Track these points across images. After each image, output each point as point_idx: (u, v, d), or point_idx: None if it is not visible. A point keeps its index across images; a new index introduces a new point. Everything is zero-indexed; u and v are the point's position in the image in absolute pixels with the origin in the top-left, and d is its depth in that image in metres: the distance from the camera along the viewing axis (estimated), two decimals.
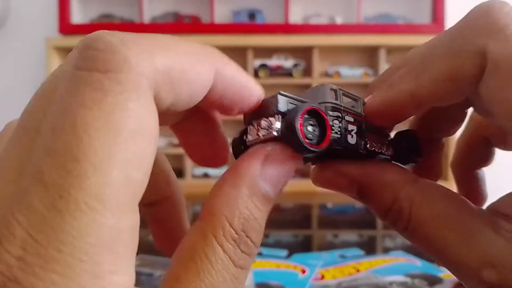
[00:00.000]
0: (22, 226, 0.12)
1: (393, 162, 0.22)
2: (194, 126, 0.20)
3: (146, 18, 1.52)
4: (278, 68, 1.46)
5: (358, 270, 0.54)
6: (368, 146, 0.20)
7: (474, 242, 0.17)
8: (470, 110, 0.22)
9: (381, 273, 0.53)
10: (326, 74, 1.49)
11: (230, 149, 0.20)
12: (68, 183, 0.12)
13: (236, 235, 0.15)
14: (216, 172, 1.39)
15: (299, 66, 1.47)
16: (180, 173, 1.44)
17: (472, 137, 0.26)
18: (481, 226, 0.18)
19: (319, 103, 0.19)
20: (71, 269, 0.12)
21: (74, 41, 1.43)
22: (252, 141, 0.18)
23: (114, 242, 0.12)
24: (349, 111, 0.20)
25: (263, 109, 0.18)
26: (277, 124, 0.17)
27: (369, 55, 1.52)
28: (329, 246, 0.69)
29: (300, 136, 0.16)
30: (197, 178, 1.45)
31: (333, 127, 0.18)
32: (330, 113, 0.19)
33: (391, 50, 1.46)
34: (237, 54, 1.42)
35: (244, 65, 1.41)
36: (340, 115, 0.19)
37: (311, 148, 0.17)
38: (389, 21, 1.50)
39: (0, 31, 1.54)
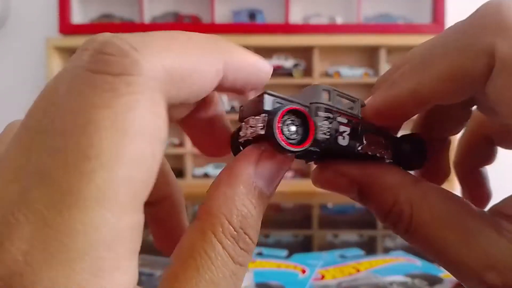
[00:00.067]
0: (29, 221, 0.12)
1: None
2: (200, 118, 0.20)
3: (146, 18, 1.52)
4: (278, 68, 1.46)
5: (358, 270, 0.54)
6: (360, 148, 0.20)
7: (476, 244, 0.17)
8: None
9: (381, 273, 0.53)
10: (326, 74, 1.49)
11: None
12: (77, 180, 0.12)
13: (234, 232, 0.16)
14: (216, 172, 1.39)
15: (299, 66, 1.48)
16: (180, 173, 1.44)
17: (474, 136, 0.26)
18: (483, 227, 0.18)
19: (310, 103, 0.19)
20: (71, 267, 0.12)
21: (74, 41, 1.43)
22: (242, 138, 0.18)
23: (115, 241, 0.12)
24: (342, 112, 0.19)
25: (255, 108, 0.18)
26: (262, 123, 0.17)
27: (369, 55, 1.52)
28: (329, 246, 0.69)
29: (277, 135, 0.17)
30: (197, 178, 1.45)
31: (321, 128, 0.18)
32: (320, 113, 0.18)
33: (391, 50, 1.46)
34: None
35: None
36: (331, 116, 0.19)
37: (290, 148, 0.17)
38: (389, 21, 1.50)
39: (0, 31, 1.55)
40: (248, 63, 0.18)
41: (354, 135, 0.20)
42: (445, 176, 0.25)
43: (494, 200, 0.26)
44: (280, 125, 0.17)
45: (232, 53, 0.17)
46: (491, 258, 0.17)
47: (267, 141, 0.17)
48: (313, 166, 0.22)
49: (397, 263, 0.56)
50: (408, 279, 0.51)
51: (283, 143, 0.17)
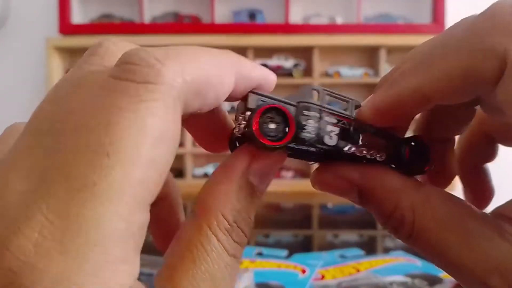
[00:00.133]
0: (42, 212, 0.12)
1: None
2: (202, 116, 0.20)
3: (146, 18, 1.52)
4: (279, 68, 1.46)
5: (358, 270, 0.54)
6: (351, 149, 0.19)
7: (479, 248, 0.17)
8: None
9: (381, 273, 0.53)
10: (326, 74, 1.49)
11: None
12: (95, 174, 0.13)
13: (229, 226, 0.17)
14: None
15: (299, 66, 1.48)
16: (180, 173, 1.44)
17: (475, 133, 0.25)
18: (486, 231, 0.17)
19: (298, 102, 0.19)
20: (84, 255, 0.12)
21: (74, 41, 1.43)
22: (235, 135, 0.19)
23: (126, 235, 0.13)
24: (331, 112, 0.19)
25: (243, 106, 0.19)
26: (245, 121, 0.18)
27: (369, 55, 1.52)
28: (329, 246, 0.69)
29: (254, 131, 0.18)
30: (197, 178, 1.45)
31: (306, 127, 0.19)
32: (305, 112, 0.19)
33: (391, 50, 1.46)
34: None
35: None
36: (317, 115, 0.19)
37: (266, 144, 0.18)
38: (389, 21, 1.50)
39: (0, 31, 1.54)
40: (256, 74, 0.19)
41: (344, 136, 0.19)
42: (451, 177, 0.24)
43: (496, 198, 0.26)
44: (258, 122, 0.18)
45: (242, 66, 0.18)
46: (494, 262, 0.17)
47: (248, 137, 0.18)
48: (314, 166, 0.22)
49: (397, 263, 0.56)
50: (408, 279, 0.51)
51: (260, 140, 0.18)
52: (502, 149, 0.26)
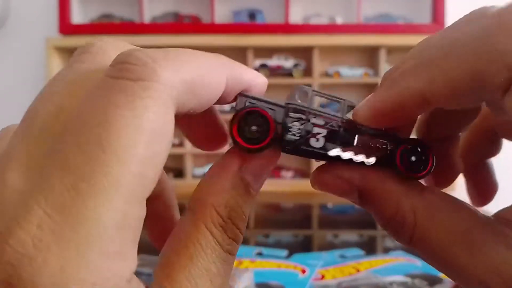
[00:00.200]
0: (40, 206, 0.13)
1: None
2: (196, 117, 0.21)
3: (146, 18, 1.52)
4: (278, 68, 1.45)
5: (358, 270, 0.54)
6: (332, 152, 0.19)
7: (482, 255, 0.17)
8: None
9: (381, 273, 0.53)
10: (326, 74, 1.48)
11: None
12: (92, 168, 0.13)
13: (223, 222, 0.17)
14: None
15: (299, 66, 1.47)
16: (180, 173, 1.44)
17: (478, 128, 0.25)
18: (489, 237, 0.17)
19: (286, 104, 0.19)
20: (82, 247, 0.13)
21: (74, 41, 1.43)
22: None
23: (122, 227, 0.13)
24: (319, 114, 0.19)
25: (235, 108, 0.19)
26: None
27: (369, 55, 1.52)
28: (329, 246, 0.69)
29: (233, 133, 0.18)
30: (197, 178, 1.45)
31: (291, 129, 0.19)
32: (291, 114, 0.19)
33: (391, 50, 1.46)
34: (237, 54, 1.42)
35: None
36: (303, 117, 0.19)
37: (244, 146, 0.18)
38: (389, 21, 1.50)
39: (0, 31, 1.54)
40: (247, 77, 0.19)
41: (332, 138, 0.19)
42: (455, 174, 0.24)
43: (497, 197, 0.26)
44: (237, 124, 0.18)
45: (234, 68, 0.18)
46: (496, 268, 0.17)
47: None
48: (314, 166, 0.22)
49: (397, 263, 0.56)
50: (408, 279, 0.51)
51: (237, 141, 0.18)
52: (503, 148, 0.26)
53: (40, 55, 1.48)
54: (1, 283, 0.12)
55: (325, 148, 0.19)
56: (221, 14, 1.52)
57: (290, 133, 0.19)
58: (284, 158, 1.64)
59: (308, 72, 1.47)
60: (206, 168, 1.47)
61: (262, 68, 1.45)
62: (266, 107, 0.19)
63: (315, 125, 0.19)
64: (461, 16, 0.18)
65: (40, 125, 0.15)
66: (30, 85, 1.51)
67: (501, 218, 0.18)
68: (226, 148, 0.21)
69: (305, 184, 1.40)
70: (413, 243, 0.19)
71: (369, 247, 0.67)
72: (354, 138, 0.20)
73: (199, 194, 0.18)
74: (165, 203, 0.24)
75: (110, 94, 0.14)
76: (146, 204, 0.15)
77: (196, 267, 0.16)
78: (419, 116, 0.23)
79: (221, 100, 0.18)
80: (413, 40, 1.37)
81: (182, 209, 0.19)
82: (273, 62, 1.46)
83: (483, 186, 0.26)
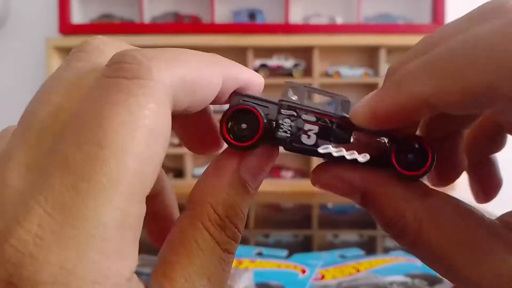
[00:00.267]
0: (40, 205, 0.13)
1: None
2: (188, 116, 0.21)
3: (146, 18, 1.52)
4: (278, 68, 1.45)
5: (358, 270, 0.54)
6: (321, 149, 0.18)
7: (488, 264, 0.17)
8: None
9: (381, 273, 0.53)
10: (326, 74, 1.48)
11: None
12: (91, 167, 0.13)
13: (220, 221, 0.17)
14: None
15: (299, 66, 1.47)
16: (180, 173, 1.44)
17: (483, 123, 0.24)
18: (495, 245, 0.17)
19: (279, 100, 0.19)
20: (82, 245, 0.13)
21: (74, 41, 1.43)
22: None
23: (122, 225, 0.13)
24: (311, 110, 0.19)
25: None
26: None
27: (369, 55, 1.52)
28: (329, 246, 0.69)
29: (222, 131, 0.18)
30: (197, 178, 1.45)
31: (282, 126, 0.19)
32: (283, 111, 0.19)
33: (391, 50, 1.46)
34: (237, 54, 1.42)
35: (244, 65, 1.41)
36: (294, 113, 0.19)
37: (232, 143, 0.18)
38: (389, 21, 1.50)
39: (0, 31, 1.54)
40: (243, 76, 0.19)
41: (324, 134, 0.19)
42: (459, 172, 0.24)
43: (499, 196, 0.26)
44: (226, 121, 0.18)
45: (230, 67, 0.18)
46: (502, 280, 0.16)
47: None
48: (314, 166, 0.22)
49: (397, 263, 0.56)
50: (408, 279, 0.51)
51: (226, 138, 0.18)
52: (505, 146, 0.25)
53: (40, 55, 1.48)
54: (2, 282, 0.12)
55: (317, 145, 0.19)
56: (221, 14, 1.52)
57: (281, 130, 0.19)
58: (284, 158, 1.63)
59: (308, 72, 1.47)
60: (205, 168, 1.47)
61: (262, 68, 1.45)
62: (259, 104, 0.19)
63: (306, 121, 0.19)
64: (461, 16, 0.17)
65: (39, 125, 0.15)
66: (30, 85, 1.51)
67: (506, 222, 0.18)
68: (221, 150, 0.21)
69: (305, 184, 1.40)
70: (414, 247, 0.18)
71: (369, 247, 0.67)
72: (348, 135, 0.19)
73: (197, 193, 0.18)
74: (164, 202, 0.24)
75: (106, 93, 0.14)
76: (146, 203, 0.15)
77: (194, 265, 0.16)
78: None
79: (217, 100, 0.18)
80: (413, 40, 1.36)
81: (181, 209, 0.19)
82: (273, 62, 1.46)
83: (487, 182, 0.25)
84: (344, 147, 0.19)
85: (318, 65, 1.45)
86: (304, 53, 1.47)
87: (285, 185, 1.37)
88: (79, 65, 0.17)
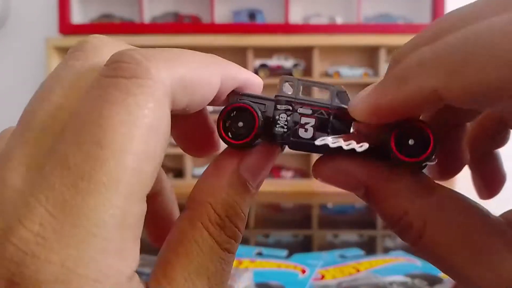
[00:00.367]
0: (41, 205, 0.13)
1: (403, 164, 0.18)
2: (185, 118, 0.21)
3: (146, 18, 1.52)
4: (278, 68, 1.45)
5: (358, 270, 0.54)
6: (318, 141, 0.18)
7: (491, 265, 0.16)
8: None
9: (381, 273, 0.53)
10: (326, 74, 1.49)
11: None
12: (91, 166, 0.13)
13: (220, 220, 0.17)
14: None
15: (299, 66, 1.47)
16: (180, 173, 1.44)
17: (487, 118, 0.24)
18: (500, 247, 0.17)
19: (275, 96, 0.19)
20: (83, 244, 0.13)
21: (74, 41, 1.42)
22: None
23: (123, 224, 0.14)
24: (306, 103, 0.19)
25: None
26: None
27: (369, 55, 1.52)
28: (329, 246, 0.69)
29: (219, 130, 0.18)
30: (197, 178, 1.45)
31: (279, 121, 0.18)
32: (279, 107, 0.19)
33: (391, 50, 1.46)
34: (237, 54, 1.42)
35: (244, 65, 1.40)
36: (290, 108, 0.19)
37: (229, 142, 0.18)
38: (389, 21, 1.50)
39: (0, 31, 1.54)
40: (242, 76, 0.19)
41: (322, 126, 0.19)
42: (461, 165, 0.23)
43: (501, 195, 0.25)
44: (222, 120, 0.18)
45: (228, 68, 0.18)
46: (502, 279, 0.16)
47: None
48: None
49: (397, 263, 0.56)
50: (408, 279, 0.50)
51: (223, 136, 0.18)
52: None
53: (40, 55, 1.48)
54: (4, 281, 0.12)
55: (315, 138, 0.18)
56: (221, 14, 1.52)
57: (278, 125, 0.18)
58: (284, 158, 1.62)
59: (308, 72, 1.47)
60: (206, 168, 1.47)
61: (262, 68, 1.45)
62: (255, 102, 0.19)
63: (302, 115, 0.19)
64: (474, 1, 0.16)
65: (38, 125, 0.15)
66: (30, 85, 1.51)
67: (509, 219, 0.17)
68: (218, 152, 0.21)
69: (305, 184, 1.40)
70: (418, 245, 0.18)
71: (369, 247, 0.67)
72: (346, 126, 0.19)
73: (196, 193, 0.18)
74: (164, 202, 0.24)
75: (105, 93, 0.14)
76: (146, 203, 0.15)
77: (193, 265, 0.16)
78: None
79: (216, 100, 0.18)
80: None
81: (182, 209, 0.19)
82: (273, 62, 1.46)
83: (490, 178, 0.25)
84: (342, 138, 0.18)
85: (318, 65, 1.45)
86: (304, 53, 1.47)
87: (285, 185, 1.37)
88: (77, 64, 0.17)
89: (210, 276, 0.16)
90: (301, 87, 0.19)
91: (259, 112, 0.18)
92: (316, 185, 1.38)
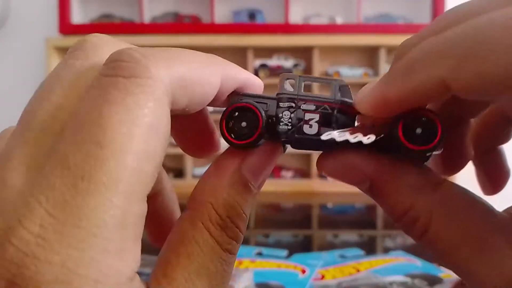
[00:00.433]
0: (41, 205, 0.13)
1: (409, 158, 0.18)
2: (185, 118, 0.20)
3: (146, 18, 1.52)
4: (278, 68, 1.46)
5: (358, 270, 0.54)
6: (324, 136, 0.17)
7: (496, 262, 0.16)
8: None
9: (381, 273, 0.53)
10: (326, 74, 1.49)
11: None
12: (91, 166, 0.13)
13: (221, 221, 0.17)
14: None
15: (299, 66, 1.48)
16: (180, 173, 1.44)
17: (491, 113, 0.24)
18: (500, 241, 0.16)
19: (276, 94, 0.19)
20: (83, 245, 0.13)
21: (74, 41, 1.42)
22: None
23: (123, 224, 0.13)
24: (309, 99, 0.19)
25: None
26: None
27: (369, 55, 1.52)
28: (329, 246, 0.69)
29: (223, 130, 0.18)
30: (197, 178, 1.45)
31: (282, 119, 0.18)
32: (281, 104, 0.18)
33: (391, 50, 1.46)
34: (237, 54, 1.42)
35: (244, 65, 1.41)
36: (293, 105, 0.18)
37: (232, 142, 0.18)
38: (389, 21, 1.50)
39: (0, 31, 1.54)
40: (242, 77, 0.19)
41: (327, 121, 0.18)
42: (465, 161, 0.23)
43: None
44: (226, 120, 0.18)
45: (228, 68, 0.18)
46: (504, 276, 0.16)
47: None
48: (314, 165, 0.22)
49: (397, 263, 0.56)
50: (408, 279, 0.50)
51: (226, 137, 0.18)
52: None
53: (40, 55, 1.48)
54: (4, 281, 0.12)
55: (320, 134, 0.18)
56: (221, 14, 1.52)
57: (282, 123, 0.18)
58: (284, 158, 1.62)
59: (308, 72, 1.47)
60: (206, 168, 1.47)
61: (262, 68, 1.45)
62: (257, 102, 0.18)
63: (306, 111, 0.18)
64: None
65: (38, 125, 0.15)
66: (30, 85, 1.51)
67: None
68: (218, 153, 0.21)
69: (305, 184, 1.40)
70: (424, 240, 0.18)
71: (369, 247, 0.67)
72: (351, 120, 0.19)
73: (197, 193, 0.18)
74: (165, 202, 0.24)
75: (104, 92, 0.14)
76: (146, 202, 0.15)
77: (194, 266, 0.16)
78: None
79: (216, 100, 0.18)
80: None
81: (182, 209, 0.19)
82: (273, 62, 1.46)
83: (494, 173, 0.25)
84: (348, 131, 0.18)
85: (318, 65, 1.45)
86: (304, 53, 1.47)
87: (285, 185, 1.37)
88: (77, 63, 0.16)
89: (211, 277, 0.16)
90: (303, 83, 0.19)
91: (263, 112, 0.18)
92: (316, 185, 1.38)
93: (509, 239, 0.16)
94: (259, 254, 0.61)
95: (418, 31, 0.18)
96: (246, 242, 0.68)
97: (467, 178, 0.27)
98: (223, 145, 0.20)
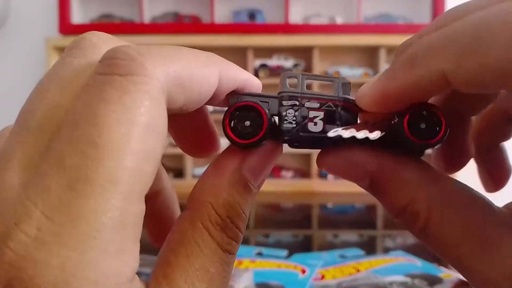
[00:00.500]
0: (38, 207, 0.13)
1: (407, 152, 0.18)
2: (185, 118, 0.20)
3: (146, 18, 1.52)
4: (278, 68, 1.46)
5: (358, 270, 0.54)
6: (331, 133, 0.18)
7: (497, 255, 0.16)
8: None
9: (381, 273, 0.52)
10: (326, 74, 1.49)
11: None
12: (87, 167, 0.13)
13: (221, 221, 0.17)
14: None
15: (299, 66, 1.48)
16: (180, 173, 1.44)
17: (493, 111, 0.24)
18: (506, 238, 0.16)
19: (279, 93, 0.19)
20: (82, 246, 0.13)
21: None
22: None
23: (122, 225, 0.13)
24: (313, 96, 0.19)
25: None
26: None
27: (369, 55, 1.52)
28: (329, 246, 0.69)
29: (226, 130, 0.18)
30: (197, 178, 1.45)
31: (286, 117, 0.18)
32: (284, 103, 0.18)
33: (391, 50, 1.46)
34: (237, 54, 1.42)
35: (244, 65, 1.41)
36: (296, 103, 0.18)
37: (236, 141, 0.18)
38: (389, 21, 1.50)
39: (0, 31, 1.54)
40: (240, 78, 0.19)
41: (331, 119, 0.18)
42: (466, 159, 0.23)
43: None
44: (228, 119, 0.18)
45: (227, 67, 0.18)
46: (505, 273, 0.16)
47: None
48: (314, 165, 0.22)
49: (397, 263, 0.56)
50: (408, 279, 0.50)
51: (231, 137, 0.18)
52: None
53: (40, 55, 1.48)
54: (2, 285, 0.12)
55: (325, 131, 0.18)
56: (221, 14, 1.52)
57: (286, 122, 0.18)
58: (284, 158, 1.62)
59: (308, 72, 1.47)
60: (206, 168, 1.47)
61: (262, 68, 1.45)
62: (259, 100, 0.18)
63: (310, 109, 0.18)
64: None
65: (36, 124, 0.15)
66: (30, 85, 1.50)
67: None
68: (218, 152, 0.20)
69: (305, 184, 1.40)
70: (424, 235, 0.18)
71: (369, 247, 0.67)
72: (355, 117, 0.19)
73: (197, 193, 0.18)
74: (165, 202, 0.23)
75: (100, 90, 0.14)
76: (146, 202, 0.15)
77: (193, 266, 0.16)
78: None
79: (214, 99, 0.18)
80: None
81: (182, 209, 0.19)
82: (273, 62, 1.46)
83: (496, 170, 0.25)
84: (354, 128, 0.18)
85: (318, 65, 1.45)
86: (304, 53, 1.47)
87: (285, 185, 1.37)
88: (74, 61, 0.16)
89: (211, 277, 0.16)
90: (305, 81, 0.19)
91: (267, 110, 0.18)
92: (316, 185, 1.38)
93: (509, 234, 0.16)
94: (259, 254, 0.61)
95: (418, 31, 0.18)
96: (246, 242, 0.68)
97: (468, 175, 0.27)
98: (223, 145, 0.20)
